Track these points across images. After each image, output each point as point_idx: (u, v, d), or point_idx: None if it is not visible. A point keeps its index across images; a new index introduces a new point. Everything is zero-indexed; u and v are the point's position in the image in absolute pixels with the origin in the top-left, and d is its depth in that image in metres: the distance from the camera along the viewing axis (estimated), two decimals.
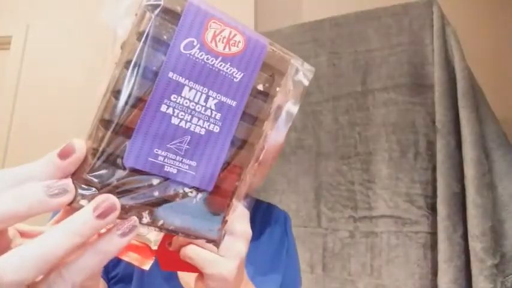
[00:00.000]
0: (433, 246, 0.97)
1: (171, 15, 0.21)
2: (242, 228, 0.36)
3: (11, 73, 1.75)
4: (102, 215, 0.20)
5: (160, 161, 0.22)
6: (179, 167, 0.22)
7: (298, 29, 1.30)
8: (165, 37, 0.21)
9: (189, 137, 0.22)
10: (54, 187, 0.20)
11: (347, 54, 1.20)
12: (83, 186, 0.20)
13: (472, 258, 0.88)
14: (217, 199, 0.24)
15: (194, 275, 0.37)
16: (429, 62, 1.07)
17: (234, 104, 0.24)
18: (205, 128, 0.23)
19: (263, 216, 0.68)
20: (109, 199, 0.20)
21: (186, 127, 0.22)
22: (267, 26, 1.54)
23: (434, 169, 1.00)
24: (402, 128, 1.08)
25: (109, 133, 0.21)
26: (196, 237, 0.24)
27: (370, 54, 1.16)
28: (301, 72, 0.27)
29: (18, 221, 0.19)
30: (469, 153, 0.93)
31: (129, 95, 0.21)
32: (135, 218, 0.21)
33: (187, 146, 0.22)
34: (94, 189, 0.21)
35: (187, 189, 0.23)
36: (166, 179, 0.22)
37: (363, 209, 1.09)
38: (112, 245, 0.20)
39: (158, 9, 0.20)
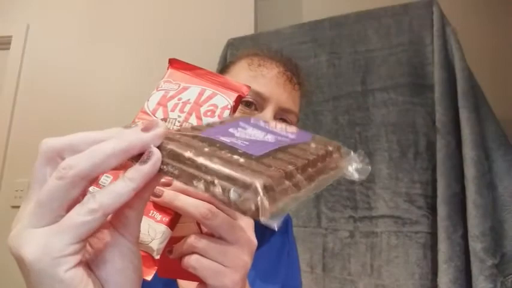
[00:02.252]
0: (433, 246, 0.97)
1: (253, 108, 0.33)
2: (247, 238, 0.36)
3: (11, 73, 1.75)
4: (145, 128, 0.24)
5: (218, 136, 0.26)
6: (233, 141, 0.26)
7: (298, 29, 1.30)
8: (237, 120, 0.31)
9: (247, 142, 0.27)
10: (146, 124, 0.24)
11: (347, 54, 1.20)
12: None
13: (472, 258, 0.88)
14: (261, 166, 0.23)
15: (194, 283, 0.36)
16: (429, 62, 1.07)
17: (288, 140, 0.29)
18: (262, 137, 0.29)
19: None
20: (153, 119, 0.24)
21: (246, 137, 0.28)
22: (267, 26, 1.54)
23: (434, 169, 1.00)
24: (402, 128, 1.08)
25: (190, 128, 0.27)
26: (233, 181, 0.21)
27: (370, 54, 1.16)
28: (355, 165, 0.32)
29: (122, 158, 0.23)
30: (469, 153, 0.92)
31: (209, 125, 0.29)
32: (157, 150, 0.23)
33: (244, 141, 0.27)
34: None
35: (236, 156, 0.24)
36: (225, 145, 0.25)
37: (363, 209, 1.09)
38: (137, 173, 0.23)
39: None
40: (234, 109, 0.39)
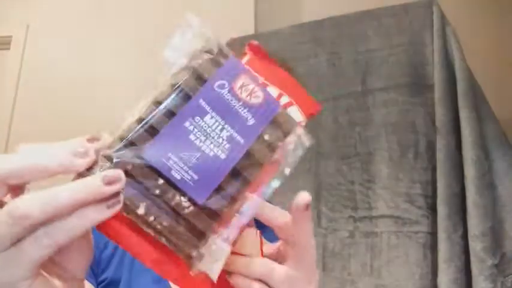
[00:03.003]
0: (433, 246, 0.97)
1: (216, 62, 0.28)
2: (315, 269, 0.33)
3: (11, 73, 1.75)
4: (108, 182, 0.23)
5: (170, 164, 0.26)
6: (183, 175, 0.26)
7: (298, 29, 1.30)
8: (206, 75, 0.28)
9: (199, 154, 0.27)
10: (79, 151, 0.24)
11: (347, 54, 1.20)
12: (103, 160, 0.25)
13: (472, 258, 0.88)
14: (204, 217, 0.27)
15: None
16: (429, 62, 1.07)
17: (242, 141, 0.28)
18: (214, 151, 0.27)
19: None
20: (117, 171, 0.24)
21: (199, 145, 0.27)
22: (267, 26, 1.54)
23: (434, 169, 1.00)
24: (402, 128, 1.08)
25: (139, 127, 0.26)
26: (176, 246, 0.26)
27: (370, 54, 1.16)
28: (301, 139, 0.32)
29: (44, 175, 0.23)
30: (469, 153, 0.92)
31: (165, 107, 0.26)
32: (121, 196, 0.24)
33: (196, 161, 0.27)
34: (110, 164, 0.25)
35: (183, 198, 0.26)
36: (169, 182, 0.26)
37: (363, 209, 1.09)
38: (95, 212, 0.23)
39: (209, 56, 0.28)
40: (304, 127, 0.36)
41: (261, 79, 0.35)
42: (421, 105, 1.07)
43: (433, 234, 0.97)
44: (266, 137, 0.30)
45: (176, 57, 0.28)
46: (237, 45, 1.37)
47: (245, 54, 0.38)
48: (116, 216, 0.24)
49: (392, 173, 1.07)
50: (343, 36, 1.21)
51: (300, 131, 0.31)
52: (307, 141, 0.31)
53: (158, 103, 0.27)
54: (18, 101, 1.73)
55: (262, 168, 0.29)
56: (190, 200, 0.26)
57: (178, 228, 0.26)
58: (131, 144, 0.25)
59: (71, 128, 1.64)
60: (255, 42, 0.38)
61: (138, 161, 0.25)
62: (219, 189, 0.27)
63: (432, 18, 1.07)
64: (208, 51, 0.29)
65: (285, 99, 0.36)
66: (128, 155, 0.25)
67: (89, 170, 0.24)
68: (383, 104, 1.12)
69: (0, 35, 1.81)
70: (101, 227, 0.25)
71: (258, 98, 0.30)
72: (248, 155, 0.29)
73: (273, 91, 0.36)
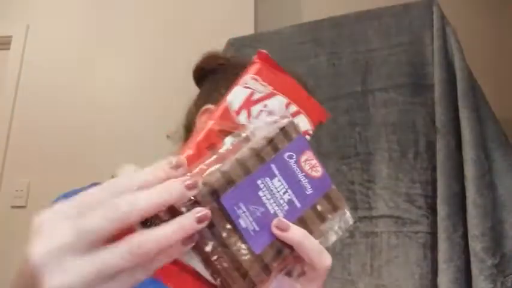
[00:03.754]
0: (433, 246, 0.97)
1: (289, 136, 0.34)
2: None
3: (11, 73, 1.75)
4: (199, 220, 0.26)
5: (239, 212, 0.30)
6: (247, 224, 0.30)
7: (298, 29, 1.30)
8: (280, 146, 0.33)
9: (264, 209, 0.31)
10: (189, 182, 0.27)
11: (347, 54, 1.20)
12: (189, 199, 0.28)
13: (472, 258, 0.88)
14: (257, 268, 0.30)
15: None
16: (429, 62, 1.07)
17: (299, 205, 0.33)
18: (275, 209, 0.31)
19: None
20: (208, 212, 0.27)
21: (264, 202, 0.31)
22: (267, 26, 1.54)
23: (434, 169, 1.00)
24: (402, 128, 1.08)
25: (222, 178, 0.30)
26: None
27: (370, 54, 1.16)
28: (344, 219, 0.35)
29: (162, 209, 0.26)
30: (469, 153, 0.92)
31: (244, 165, 0.31)
32: (196, 235, 0.27)
33: (259, 214, 0.31)
34: (194, 202, 0.28)
35: (243, 245, 0.30)
36: (235, 228, 0.30)
37: (363, 209, 1.09)
38: (174, 249, 0.26)
39: (283, 131, 0.34)
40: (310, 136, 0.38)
41: (270, 88, 0.38)
42: (421, 105, 1.07)
43: (433, 234, 0.97)
44: (319, 207, 0.34)
45: (258, 127, 0.34)
46: (237, 45, 1.37)
47: (254, 63, 0.38)
48: None
49: (392, 173, 1.07)
50: (343, 36, 1.21)
51: (347, 209, 0.36)
52: (351, 220, 0.36)
53: (240, 160, 0.31)
54: (18, 101, 1.73)
55: (311, 234, 0.33)
56: (249, 248, 0.30)
57: (233, 273, 0.29)
58: (213, 190, 0.29)
59: (70, 127, 1.64)
60: (264, 51, 0.39)
61: (216, 205, 0.29)
62: (273, 245, 0.31)
63: (432, 18, 1.07)
64: (284, 126, 0.34)
65: (292, 108, 0.38)
66: (209, 198, 0.29)
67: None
68: (383, 104, 1.12)
69: (0, 35, 1.81)
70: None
71: (318, 172, 0.35)
72: (301, 219, 0.33)
73: (282, 100, 0.38)
